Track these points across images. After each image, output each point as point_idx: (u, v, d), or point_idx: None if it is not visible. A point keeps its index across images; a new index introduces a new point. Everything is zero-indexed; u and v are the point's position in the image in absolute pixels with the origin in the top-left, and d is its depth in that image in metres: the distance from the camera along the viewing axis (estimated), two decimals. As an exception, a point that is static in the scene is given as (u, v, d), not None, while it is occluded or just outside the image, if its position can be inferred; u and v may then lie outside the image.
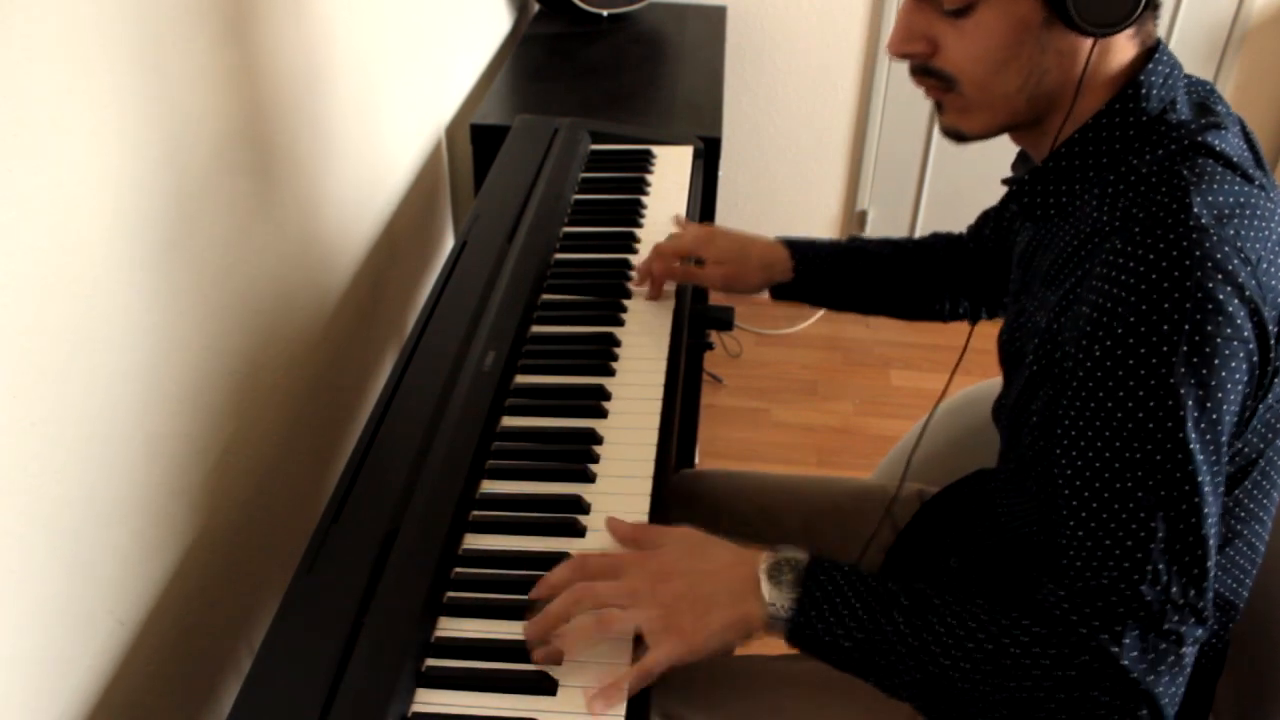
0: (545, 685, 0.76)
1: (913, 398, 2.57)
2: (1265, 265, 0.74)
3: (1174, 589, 0.72)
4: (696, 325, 1.41)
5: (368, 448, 0.95)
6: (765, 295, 1.24)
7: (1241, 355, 0.72)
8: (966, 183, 2.74)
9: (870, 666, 0.77)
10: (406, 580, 0.81)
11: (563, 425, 1.01)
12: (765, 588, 0.78)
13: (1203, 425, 0.72)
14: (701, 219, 1.37)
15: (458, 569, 0.86)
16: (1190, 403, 0.72)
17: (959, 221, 1.26)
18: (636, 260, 1.28)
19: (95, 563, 0.83)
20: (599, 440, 0.99)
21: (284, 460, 1.17)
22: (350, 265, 1.37)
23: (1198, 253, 0.72)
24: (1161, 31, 0.86)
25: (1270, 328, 0.74)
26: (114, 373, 0.83)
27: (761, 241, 1.22)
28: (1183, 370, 0.71)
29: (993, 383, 1.10)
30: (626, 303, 1.20)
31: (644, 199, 1.42)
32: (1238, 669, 0.98)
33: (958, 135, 0.88)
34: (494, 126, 1.75)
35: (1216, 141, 0.79)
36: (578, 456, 0.97)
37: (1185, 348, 0.71)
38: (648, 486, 0.94)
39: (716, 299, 2.13)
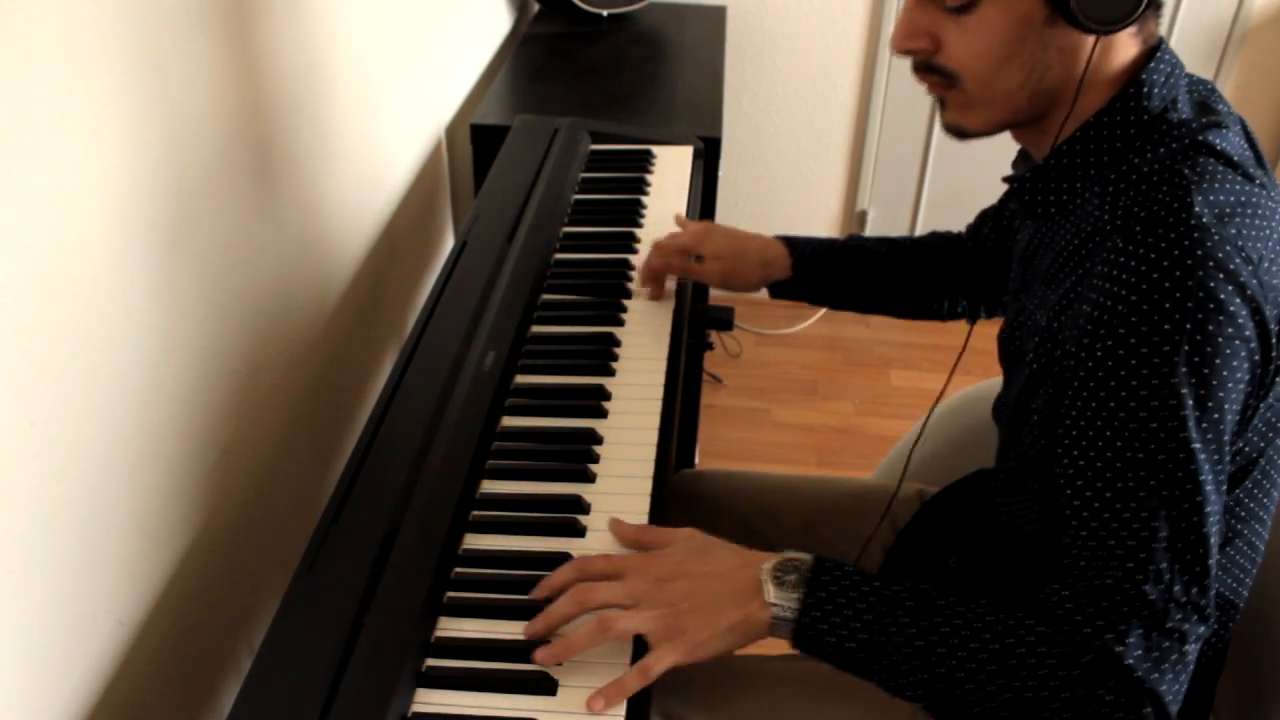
0: (545, 685, 0.76)
1: (913, 398, 2.57)
2: (1267, 264, 0.74)
3: (1177, 587, 0.72)
4: (696, 325, 1.41)
5: (368, 448, 0.95)
6: (765, 294, 1.24)
7: (1243, 354, 0.72)
8: (966, 183, 2.74)
9: (875, 667, 0.77)
10: (406, 580, 0.81)
11: (563, 425, 1.01)
12: (769, 590, 0.78)
13: (1204, 424, 0.72)
14: (701, 219, 1.37)
15: (458, 569, 0.86)
16: (1192, 402, 0.72)
17: (959, 221, 1.26)
18: (636, 260, 1.28)
19: (95, 563, 0.83)
20: (599, 440, 0.99)
21: (284, 460, 1.17)
22: (350, 265, 1.37)
23: (1199, 252, 0.72)
24: (1161, 31, 0.86)
25: (1272, 326, 0.74)
26: (114, 373, 0.83)
27: (760, 239, 1.22)
28: (1184, 370, 0.71)
29: (992, 383, 1.10)
30: (626, 303, 1.20)
31: (644, 199, 1.42)
32: (1238, 668, 0.98)
33: (960, 132, 0.88)
34: (494, 126, 1.75)
35: (1218, 140, 0.79)
36: (578, 456, 0.97)
37: (1187, 347, 0.71)
38: (648, 486, 0.94)
39: (717, 299, 2.13)
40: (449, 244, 1.93)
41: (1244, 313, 0.72)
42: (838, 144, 2.79)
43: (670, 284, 1.23)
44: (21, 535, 0.73)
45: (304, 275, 1.21)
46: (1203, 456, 0.72)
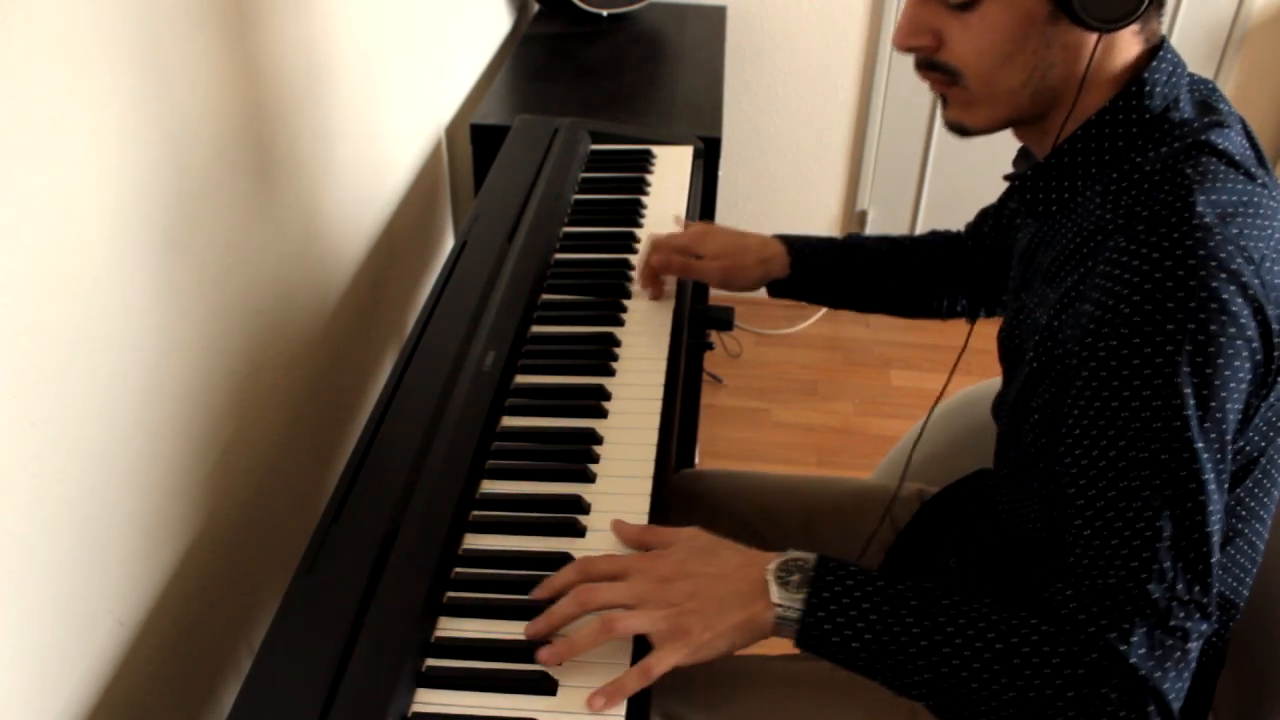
0: (545, 685, 0.76)
1: (913, 398, 2.57)
2: (1268, 264, 0.74)
3: (1180, 586, 0.72)
4: (696, 325, 1.41)
5: (368, 448, 0.95)
6: (764, 294, 1.24)
7: (1245, 354, 0.72)
8: (966, 182, 2.74)
9: (879, 666, 0.77)
10: (406, 580, 0.81)
11: (563, 425, 1.01)
12: (774, 590, 0.77)
13: (1207, 424, 0.72)
14: (701, 219, 1.37)
15: (458, 569, 0.86)
16: (1194, 401, 0.72)
17: (959, 221, 1.26)
18: (636, 260, 1.28)
19: (95, 563, 0.82)
20: (599, 440, 0.99)
21: (284, 460, 1.17)
22: (350, 265, 1.37)
23: (1201, 251, 0.72)
24: (1161, 31, 0.86)
25: (1274, 326, 0.73)
26: (114, 373, 0.83)
27: (758, 237, 1.22)
28: (1187, 369, 0.71)
29: (992, 382, 1.10)
30: (626, 303, 1.20)
31: (644, 199, 1.42)
32: (1238, 667, 0.98)
33: (962, 130, 0.88)
34: (494, 126, 1.75)
35: (1219, 140, 0.79)
36: (578, 456, 0.97)
37: (1189, 346, 0.71)
38: (648, 486, 0.94)
39: (717, 299, 2.13)
40: (449, 244, 1.93)
41: (1246, 312, 0.72)
42: (838, 144, 2.79)
43: (670, 284, 1.23)
44: (21, 535, 0.73)
45: (304, 275, 1.21)
46: (1205, 455, 0.73)
